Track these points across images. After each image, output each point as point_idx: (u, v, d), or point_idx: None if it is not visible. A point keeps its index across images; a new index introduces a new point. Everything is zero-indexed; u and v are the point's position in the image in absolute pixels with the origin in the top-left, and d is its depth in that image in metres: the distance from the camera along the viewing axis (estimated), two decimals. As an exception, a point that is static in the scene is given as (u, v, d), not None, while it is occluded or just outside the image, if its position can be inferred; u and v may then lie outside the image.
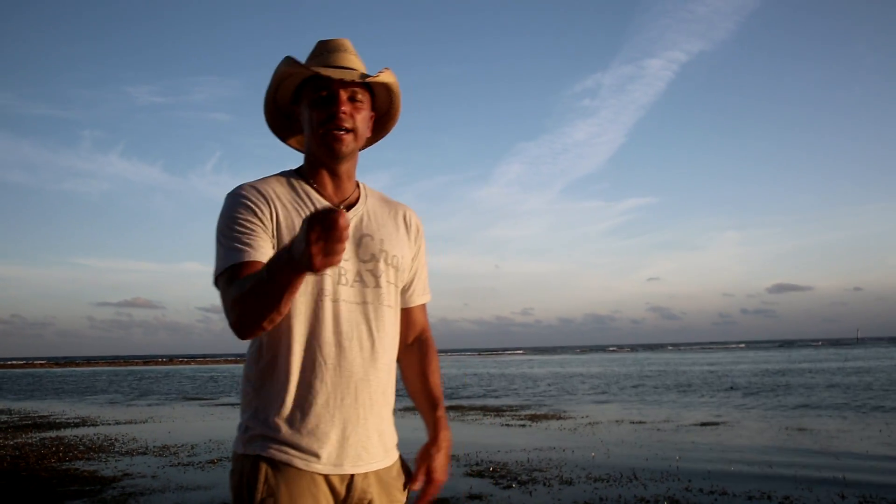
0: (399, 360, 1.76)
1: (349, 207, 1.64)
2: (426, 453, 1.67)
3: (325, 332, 1.53)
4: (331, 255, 1.20)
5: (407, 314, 1.76)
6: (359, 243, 1.61)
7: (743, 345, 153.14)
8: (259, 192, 1.57)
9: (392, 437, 1.65)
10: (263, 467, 1.49)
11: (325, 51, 1.65)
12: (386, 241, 1.65)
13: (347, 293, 1.57)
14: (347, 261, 1.58)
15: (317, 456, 1.50)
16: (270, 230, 1.54)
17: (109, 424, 13.68)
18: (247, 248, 1.50)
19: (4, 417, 15.77)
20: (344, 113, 1.59)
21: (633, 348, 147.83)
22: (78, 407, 18.75)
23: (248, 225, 1.52)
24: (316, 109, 1.59)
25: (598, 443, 9.64)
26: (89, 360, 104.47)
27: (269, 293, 1.34)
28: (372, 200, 1.70)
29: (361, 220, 1.64)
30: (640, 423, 12.14)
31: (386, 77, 1.64)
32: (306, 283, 1.52)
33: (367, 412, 1.55)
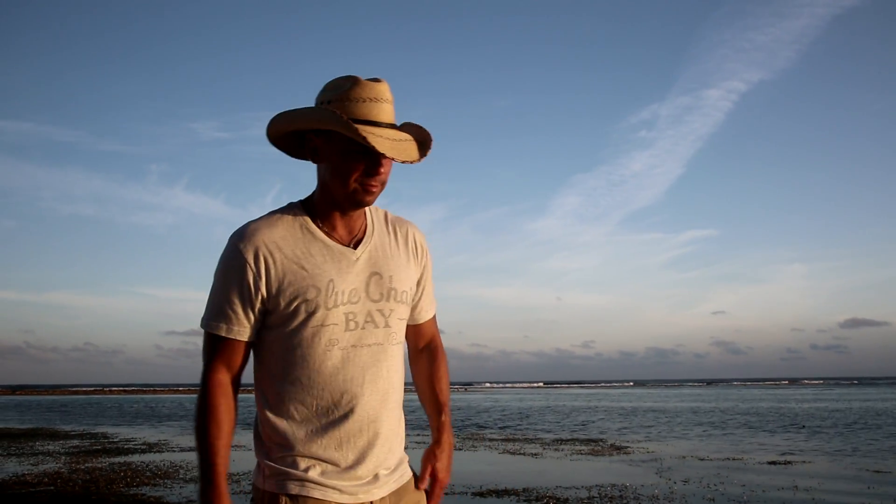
0: (410, 367, 1.84)
1: (357, 244, 1.62)
2: (431, 454, 1.76)
3: (336, 379, 1.56)
4: None
5: (417, 327, 1.81)
6: (368, 283, 1.60)
7: (819, 381, 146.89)
8: (256, 250, 1.54)
9: (404, 463, 1.70)
10: (283, 500, 1.54)
11: (366, 98, 1.52)
12: (395, 276, 1.63)
13: (357, 337, 1.58)
14: (356, 303, 1.57)
15: (334, 489, 1.56)
16: (263, 290, 1.54)
17: (174, 451, 13.98)
18: (228, 325, 1.57)
19: (77, 442, 16.28)
20: (383, 174, 1.56)
21: (698, 383, 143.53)
22: (145, 433, 19.23)
23: (239, 292, 1.55)
24: (352, 162, 1.52)
25: (662, 480, 9.38)
26: (157, 388, 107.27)
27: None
28: (378, 229, 1.67)
29: (370, 257, 1.62)
30: (706, 459, 11.75)
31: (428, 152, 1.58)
32: (314, 334, 1.55)
33: (379, 450, 1.60)
